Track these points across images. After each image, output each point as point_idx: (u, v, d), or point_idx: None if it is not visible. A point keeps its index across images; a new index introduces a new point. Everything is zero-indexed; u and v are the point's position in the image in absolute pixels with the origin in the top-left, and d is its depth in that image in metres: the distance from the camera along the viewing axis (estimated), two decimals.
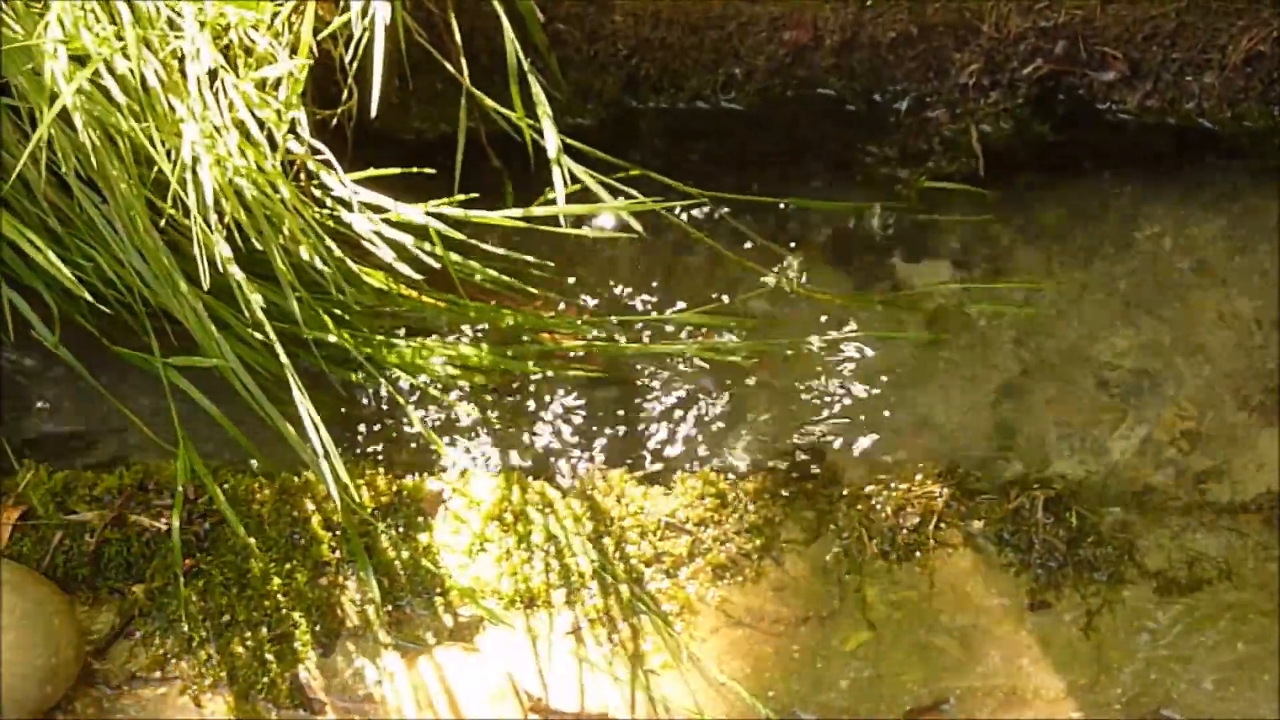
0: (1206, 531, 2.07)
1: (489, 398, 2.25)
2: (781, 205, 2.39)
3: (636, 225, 2.02)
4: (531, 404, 2.26)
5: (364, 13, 1.96)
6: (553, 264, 2.29)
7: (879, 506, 2.10)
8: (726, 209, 2.33)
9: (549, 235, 2.07)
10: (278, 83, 1.95)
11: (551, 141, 2.00)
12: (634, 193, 2.04)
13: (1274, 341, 2.24)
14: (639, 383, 2.27)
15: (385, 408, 2.23)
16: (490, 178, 2.28)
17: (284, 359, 1.87)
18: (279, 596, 2.04)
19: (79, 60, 1.80)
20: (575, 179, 2.02)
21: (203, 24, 1.89)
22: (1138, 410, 2.20)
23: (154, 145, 1.82)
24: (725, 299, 2.31)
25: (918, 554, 2.06)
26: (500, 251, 2.11)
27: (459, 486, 2.12)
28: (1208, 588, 2.03)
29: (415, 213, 2.02)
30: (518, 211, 1.98)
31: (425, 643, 2.02)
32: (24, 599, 1.90)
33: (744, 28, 2.31)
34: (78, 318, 2.03)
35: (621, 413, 2.25)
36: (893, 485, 2.13)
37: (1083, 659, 1.99)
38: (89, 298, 1.89)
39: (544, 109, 2.02)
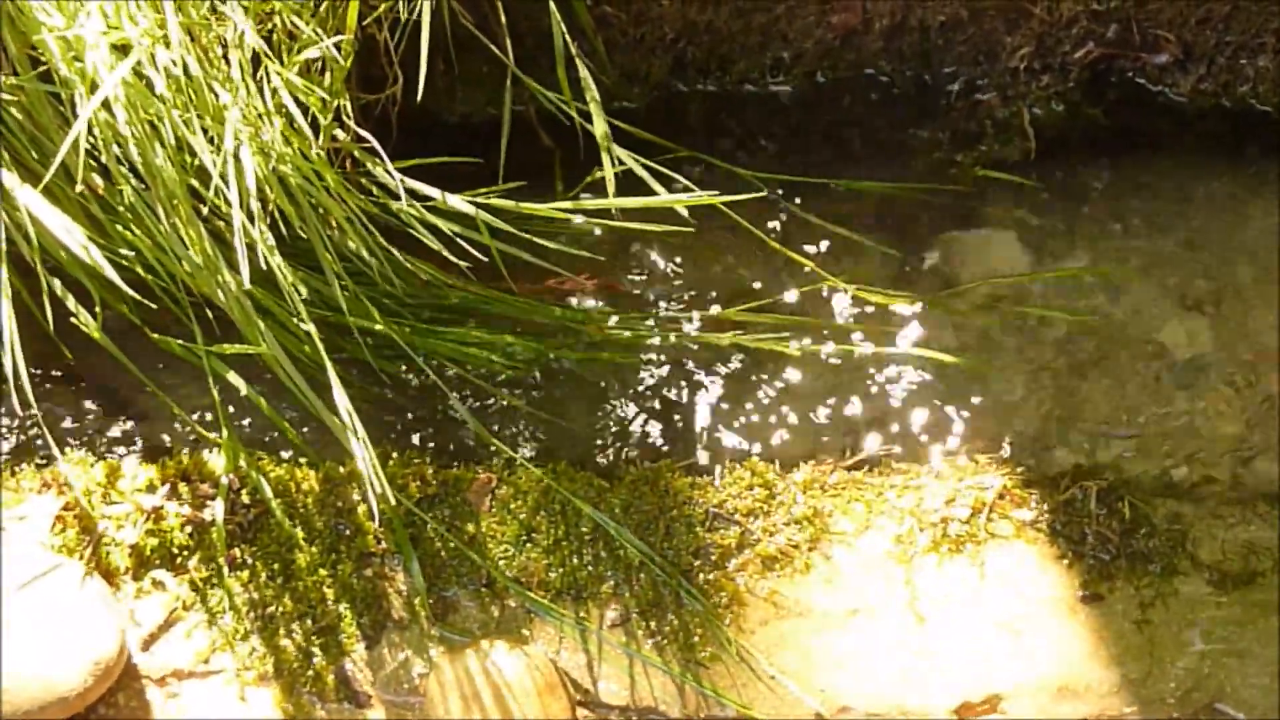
0: (1261, 523, 2.05)
1: (535, 388, 2.23)
2: (832, 187, 2.37)
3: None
4: (577, 394, 2.23)
5: None
6: (602, 259, 2.27)
7: (929, 498, 2.08)
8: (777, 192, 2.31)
9: (599, 219, 2.04)
10: (322, 68, 1.92)
11: (599, 128, 1.97)
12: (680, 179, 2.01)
13: None
14: (684, 373, 2.24)
15: (432, 397, 2.21)
16: (541, 156, 2.27)
17: (321, 349, 1.84)
18: (324, 588, 2.02)
19: (120, 49, 1.76)
20: (623, 161, 1.99)
21: (246, 9, 1.85)
22: (1193, 397, 2.17)
23: (196, 133, 1.79)
24: (774, 286, 2.29)
25: (969, 546, 2.04)
26: (552, 245, 2.08)
27: (506, 476, 2.10)
28: (1262, 580, 2.02)
29: (462, 203, 1.99)
30: (567, 204, 1.94)
31: (472, 634, 2.00)
32: (68, 590, 1.89)
33: (792, 11, 2.28)
34: (120, 306, 2.00)
35: (668, 403, 2.23)
36: (943, 476, 2.11)
37: (1135, 652, 1.97)
38: (130, 292, 1.85)
39: (592, 94, 1.98)
